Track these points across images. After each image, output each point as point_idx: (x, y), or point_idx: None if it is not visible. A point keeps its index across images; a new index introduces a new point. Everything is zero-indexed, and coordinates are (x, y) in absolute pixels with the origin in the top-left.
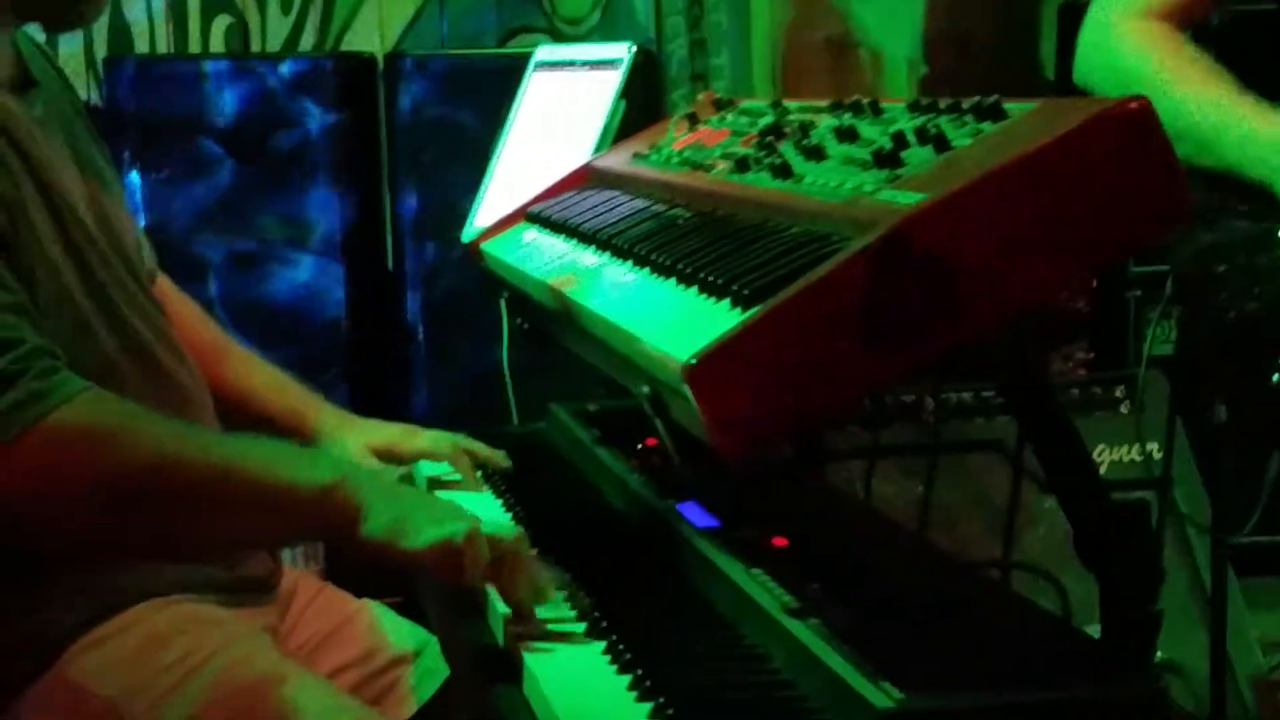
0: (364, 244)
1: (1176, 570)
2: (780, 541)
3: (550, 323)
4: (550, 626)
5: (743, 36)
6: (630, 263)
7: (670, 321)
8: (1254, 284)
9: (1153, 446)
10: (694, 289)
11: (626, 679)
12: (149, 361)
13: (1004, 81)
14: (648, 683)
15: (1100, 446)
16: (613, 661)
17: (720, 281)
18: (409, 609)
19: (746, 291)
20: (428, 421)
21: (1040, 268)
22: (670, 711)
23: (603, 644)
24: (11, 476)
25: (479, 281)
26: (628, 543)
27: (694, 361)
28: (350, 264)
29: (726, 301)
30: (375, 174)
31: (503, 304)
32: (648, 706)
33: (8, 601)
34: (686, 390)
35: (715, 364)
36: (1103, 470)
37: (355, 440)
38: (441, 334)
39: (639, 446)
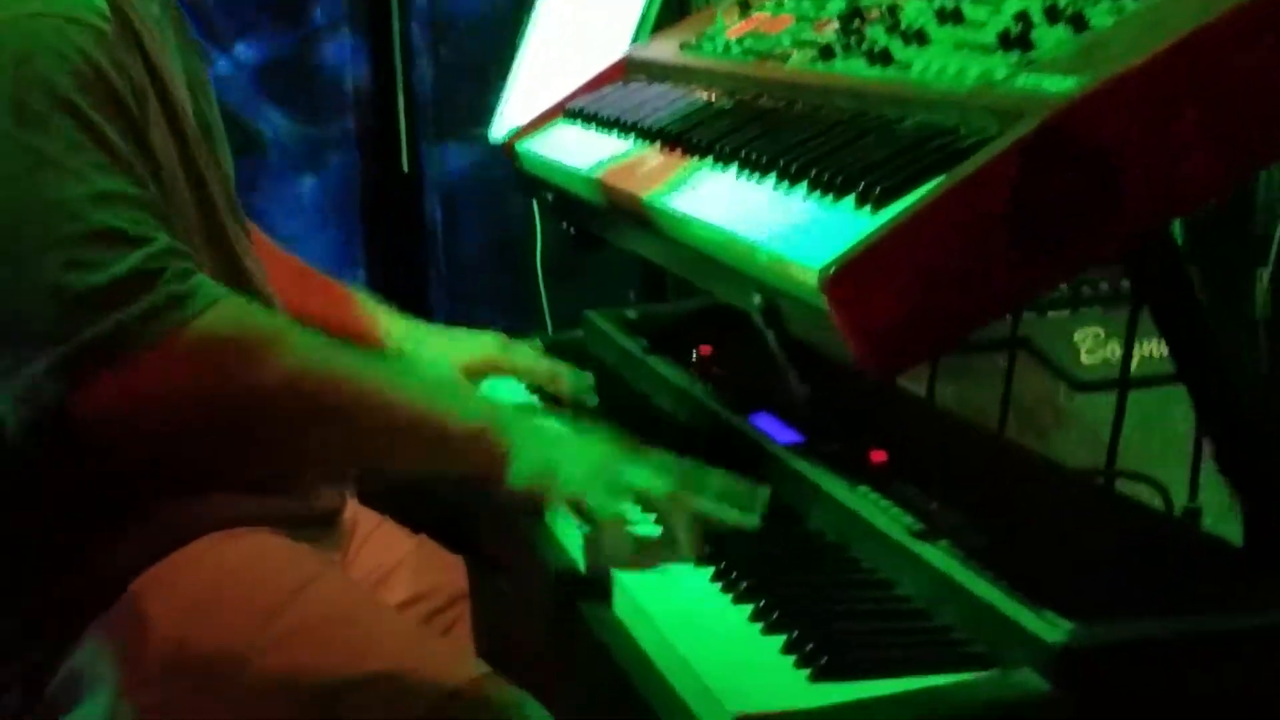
0: (379, 142)
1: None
2: (879, 456)
3: (604, 225)
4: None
5: None
6: (711, 159)
7: (785, 224)
8: None
9: None
10: (802, 187)
11: (746, 608)
12: (243, 279)
13: None
14: (774, 614)
15: None
16: (726, 589)
17: (840, 179)
18: (460, 539)
19: (878, 190)
20: None
21: (1206, 161)
22: (809, 646)
23: (709, 569)
24: (150, 387)
25: (504, 183)
26: (706, 461)
27: (833, 269)
28: (365, 165)
29: (849, 201)
30: (390, 69)
31: (535, 206)
32: (780, 639)
33: (67, 534)
34: (820, 300)
35: (858, 271)
36: (1133, 368)
37: (437, 357)
38: (462, 239)
39: (693, 356)
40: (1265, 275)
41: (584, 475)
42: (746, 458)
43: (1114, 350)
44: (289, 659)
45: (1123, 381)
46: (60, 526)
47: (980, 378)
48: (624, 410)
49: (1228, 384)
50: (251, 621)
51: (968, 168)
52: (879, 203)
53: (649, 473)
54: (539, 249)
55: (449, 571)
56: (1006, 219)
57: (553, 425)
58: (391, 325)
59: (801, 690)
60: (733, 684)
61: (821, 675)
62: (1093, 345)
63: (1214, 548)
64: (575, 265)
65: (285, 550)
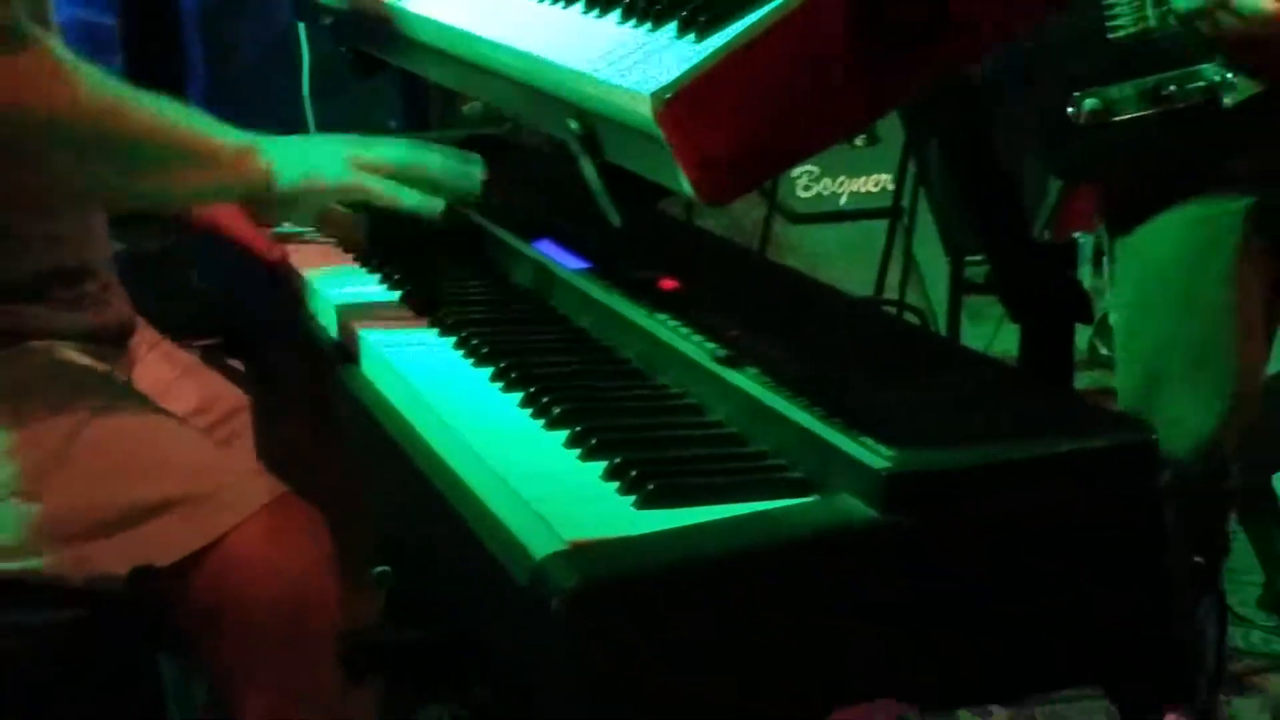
0: None
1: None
2: (669, 283)
3: (389, 50)
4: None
5: None
6: None
7: (605, 52)
8: None
9: (886, 178)
10: (614, 15)
11: (561, 434)
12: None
13: None
14: (592, 440)
15: (841, 178)
16: (537, 415)
17: (656, 8)
18: (240, 349)
19: (703, 18)
20: None
21: None
22: (633, 473)
23: (518, 395)
24: None
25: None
26: (495, 287)
27: (669, 96)
28: None
29: (670, 29)
30: None
31: (302, 28)
32: (599, 465)
33: None
34: (650, 127)
35: (694, 99)
36: (842, 201)
37: None
38: (223, 58)
39: None
40: None
41: (343, 165)
42: (540, 284)
43: (826, 186)
44: (86, 475)
45: (895, 211)
46: None
47: (704, 209)
48: (397, 237)
49: (1014, 207)
50: (49, 435)
51: None
52: (704, 30)
53: (388, 147)
54: (305, 71)
55: (230, 383)
56: (847, 40)
57: (292, 139)
58: None
59: (629, 517)
60: (560, 511)
61: (648, 502)
62: (808, 182)
63: (995, 367)
64: (335, 91)
65: (78, 366)
